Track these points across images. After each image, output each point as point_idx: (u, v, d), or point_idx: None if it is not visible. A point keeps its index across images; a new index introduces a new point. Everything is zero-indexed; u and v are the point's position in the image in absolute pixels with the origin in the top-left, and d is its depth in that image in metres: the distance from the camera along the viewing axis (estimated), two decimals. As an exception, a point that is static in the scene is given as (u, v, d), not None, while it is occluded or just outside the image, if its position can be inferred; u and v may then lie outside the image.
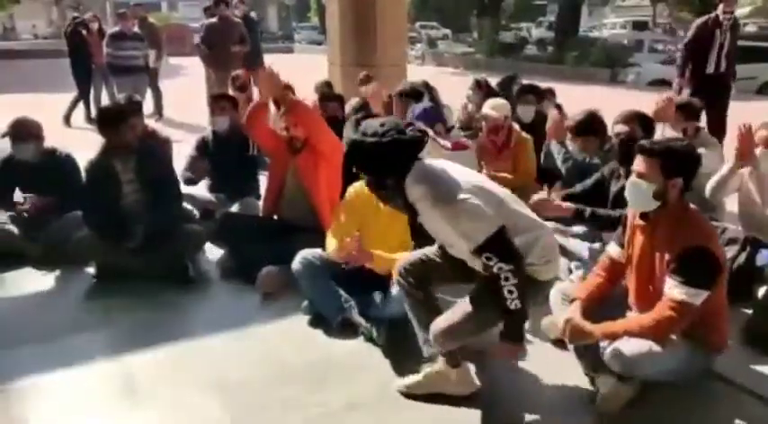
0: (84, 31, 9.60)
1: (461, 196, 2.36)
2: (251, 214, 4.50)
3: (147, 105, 8.41)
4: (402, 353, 3.01)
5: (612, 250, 2.88)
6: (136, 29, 9.25)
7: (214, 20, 8.83)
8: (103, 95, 9.74)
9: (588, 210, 3.34)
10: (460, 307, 2.62)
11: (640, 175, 2.58)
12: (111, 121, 3.94)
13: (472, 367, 2.79)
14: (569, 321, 2.63)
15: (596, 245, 3.70)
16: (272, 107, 4.25)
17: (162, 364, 3.04)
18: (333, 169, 3.98)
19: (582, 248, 3.78)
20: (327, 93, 5.81)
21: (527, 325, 2.73)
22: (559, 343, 2.86)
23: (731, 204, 3.92)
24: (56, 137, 4.81)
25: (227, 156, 4.85)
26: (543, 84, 6.27)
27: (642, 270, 2.67)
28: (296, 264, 3.44)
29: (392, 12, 7.69)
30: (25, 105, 6.24)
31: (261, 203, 4.46)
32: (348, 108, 5.64)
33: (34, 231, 4.28)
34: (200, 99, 9.40)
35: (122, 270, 3.93)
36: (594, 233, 3.80)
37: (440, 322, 2.64)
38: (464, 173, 2.56)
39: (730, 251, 3.55)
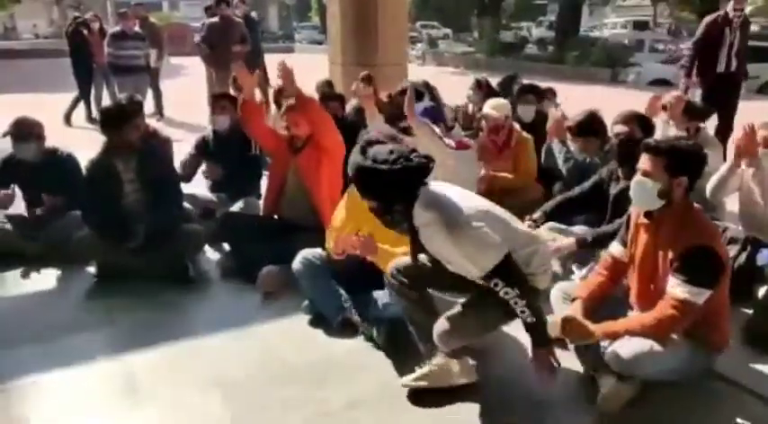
0: (84, 31, 9.60)
1: (471, 223, 2.45)
2: (252, 213, 4.50)
3: (148, 105, 8.40)
4: (402, 353, 3.01)
5: (615, 248, 2.88)
6: (137, 28, 9.24)
7: (215, 19, 8.84)
8: (104, 95, 9.74)
9: (589, 238, 3.36)
10: (465, 308, 2.66)
11: (645, 173, 2.58)
12: (114, 121, 3.94)
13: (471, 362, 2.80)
14: (570, 320, 2.63)
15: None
16: (273, 106, 4.26)
17: (162, 363, 3.04)
18: (334, 168, 3.99)
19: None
20: (328, 93, 5.81)
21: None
22: (560, 342, 2.85)
23: (732, 204, 3.92)
24: (57, 137, 4.81)
25: (227, 156, 4.85)
26: (544, 84, 6.26)
27: (645, 269, 2.67)
28: (296, 264, 3.45)
29: (393, 11, 7.69)
30: (26, 105, 6.25)
31: (261, 202, 4.46)
32: (348, 107, 5.64)
33: (35, 230, 4.28)
34: (200, 98, 9.41)
35: (123, 270, 3.93)
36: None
37: (444, 323, 2.66)
38: (467, 197, 2.64)
39: (731, 251, 3.55)
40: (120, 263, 3.93)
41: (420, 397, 2.68)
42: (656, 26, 34.30)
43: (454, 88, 6.07)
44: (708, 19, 6.85)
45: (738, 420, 2.59)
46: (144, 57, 9.21)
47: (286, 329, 3.38)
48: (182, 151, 5.14)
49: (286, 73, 3.88)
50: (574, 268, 3.75)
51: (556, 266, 3.51)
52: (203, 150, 4.99)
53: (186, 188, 4.48)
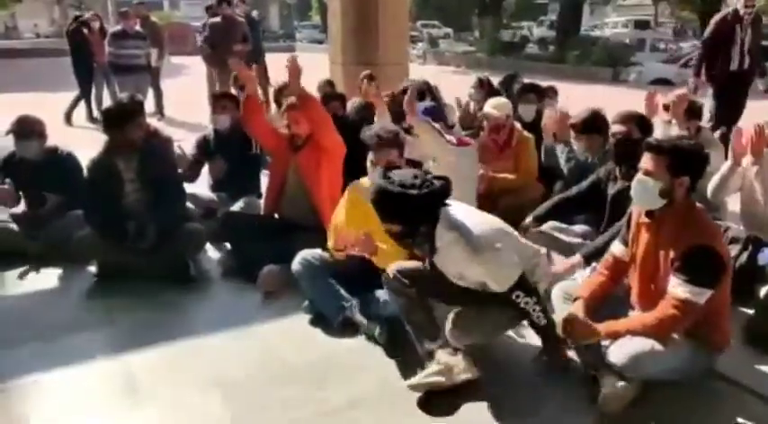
0: (85, 30, 9.60)
1: (493, 244, 2.62)
2: (252, 213, 4.50)
3: (149, 104, 8.40)
4: (403, 352, 3.01)
5: (616, 248, 2.88)
6: (138, 28, 9.24)
7: (217, 19, 8.84)
8: (105, 94, 9.73)
9: (592, 249, 3.32)
10: (480, 307, 2.76)
11: (647, 173, 2.58)
12: (116, 120, 3.94)
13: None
14: (572, 320, 2.63)
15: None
16: (273, 106, 4.26)
17: (162, 363, 3.04)
18: (334, 167, 4.00)
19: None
20: (330, 93, 5.81)
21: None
22: (561, 342, 2.85)
23: (733, 203, 3.91)
24: (57, 136, 4.81)
25: (228, 155, 4.85)
26: (545, 83, 6.26)
27: (646, 269, 2.67)
28: (295, 265, 3.44)
29: (393, 10, 7.68)
30: (27, 104, 6.24)
31: (262, 202, 4.46)
32: (349, 106, 5.64)
33: (36, 230, 4.28)
34: (201, 98, 9.40)
35: (123, 269, 3.93)
36: (595, 233, 3.79)
37: (457, 319, 2.79)
38: (481, 216, 2.78)
39: (732, 251, 3.54)
40: (121, 263, 3.93)
41: (419, 395, 2.67)
42: (657, 25, 34.29)
43: (455, 87, 6.06)
44: (717, 17, 6.72)
45: (739, 420, 2.59)
46: (145, 57, 9.21)
47: (286, 328, 3.38)
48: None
49: (294, 69, 3.88)
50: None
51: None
52: (204, 149, 4.99)
53: (187, 187, 4.47)
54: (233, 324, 3.40)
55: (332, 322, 3.30)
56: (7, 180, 4.36)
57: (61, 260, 4.13)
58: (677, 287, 2.46)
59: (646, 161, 2.60)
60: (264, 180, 4.63)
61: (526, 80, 6.48)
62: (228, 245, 4.31)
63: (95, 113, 9.65)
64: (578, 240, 3.73)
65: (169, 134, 5.30)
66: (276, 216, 4.23)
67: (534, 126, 5.08)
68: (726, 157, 3.85)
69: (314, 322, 3.40)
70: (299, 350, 3.15)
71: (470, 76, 6.95)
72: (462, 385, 2.68)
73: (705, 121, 6.45)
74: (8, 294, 3.88)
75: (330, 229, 3.51)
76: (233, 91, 6.23)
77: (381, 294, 3.27)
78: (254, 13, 11.01)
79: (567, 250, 3.72)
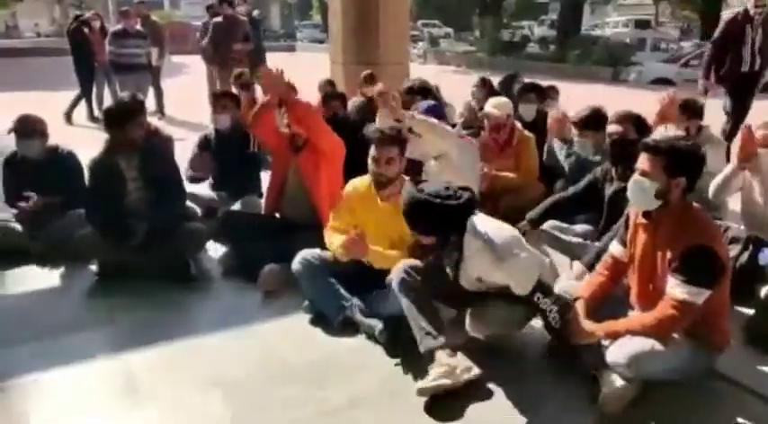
0: (86, 30, 9.60)
1: (513, 250, 2.71)
2: (253, 212, 4.50)
3: (149, 103, 8.40)
4: (403, 351, 3.01)
5: (615, 248, 2.88)
6: (138, 27, 9.24)
7: (220, 19, 8.85)
8: (105, 93, 9.74)
9: (593, 255, 3.33)
10: (500, 301, 2.84)
11: (644, 173, 2.57)
12: (118, 120, 3.94)
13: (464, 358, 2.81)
14: (572, 319, 2.63)
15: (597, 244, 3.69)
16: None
17: (163, 362, 3.04)
18: (333, 168, 4.00)
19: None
20: (330, 92, 5.82)
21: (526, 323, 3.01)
22: (561, 341, 2.86)
23: (734, 203, 3.91)
24: (58, 135, 4.81)
25: (229, 154, 4.85)
26: (545, 83, 6.26)
27: (644, 269, 2.67)
28: (295, 265, 3.45)
29: (394, 10, 7.68)
30: (28, 103, 6.25)
31: (262, 201, 4.46)
32: (350, 106, 5.64)
33: (37, 229, 4.28)
34: (202, 97, 9.41)
35: (124, 269, 3.93)
36: (596, 232, 3.79)
37: (477, 311, 2.86)
38: (497, 224, 2.85)
39: (733, 251, 3.55)
40: (122, 262, 3.94)
41: (421, 397, 2.66)
42: (657, 25, 34.28)
43: (456, 87, 6.07)
44: (727, 17, 6.59)
45: (739, 420, 2.58)
46: (145, 56, 9.21)
47: (287, 328, 3.38)
48: (184, 149, 5.14)
49: (276, 78, 3.88)
50: (575, 265, 3.74)
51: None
52: (206, 149, 4.99)
53: (187, 187, 4.47)
54: (233, 324, 3.40)
55: (332, 322, 3.30)
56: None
57: (62, 259, 4.13)
58: (675, 288, 2.46)
59: (642, 161, 2.60)
60: (265, 179, 4.63)
61: (527, 80, 6.48)
62: (229, 244, 4.30)
63: (96, 112, 9.65)
64: (578, 239, 3.74)
65: (170, 133, 5.31)
66: (277, 215, 4.23)
67: (535, 125, 5.08)
68: (728, 157, 3.87)
69: (314, 322, 3.39)
70: (299, 350, 3.15)
71: (471, 76, 6.97)
72: (465, 385, 2.68)
73: (721, 120, 6.46)
74: (9, 293, 3.88)
75: (326, 229, 3.51)
76: (233, 90, 6.24)
77: (381, 293, 3.27)
78: (255, 13, 11.02)
79: (568, 249, 3.73)
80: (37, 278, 4.04)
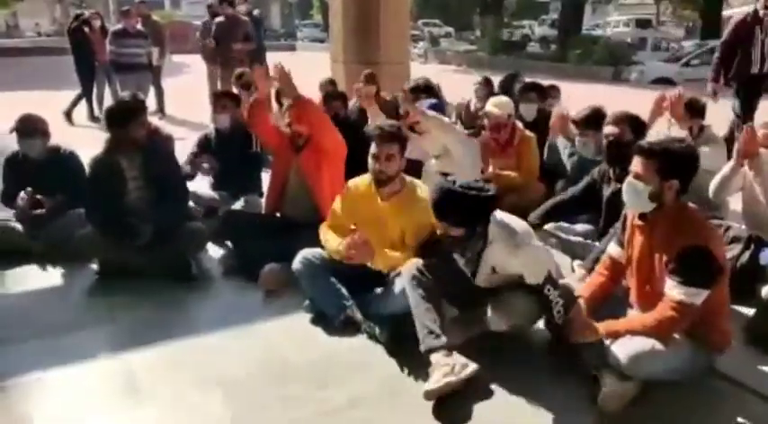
0: (86, 29, 9.60)
1: (530, 242, 2.82)
2: (253, 211, 4.50)
3: (150, 103, 8.41)
4: (404, 350, 3.00)
5: (613, 250, 2.90)
6: (139, 26, 9.25)
7: (222, 19, 8.85)
8: (106, 93, 9.74)
9: (593, 259, 3.34)
10: (518, 291, 2.87)
11: (637, 176, 2.60)
12: (120, 119, 3.94)
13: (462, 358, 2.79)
14: (572, 318, 2.63)
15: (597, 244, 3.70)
16: (274, 104, 4.26)
17: (163, 361, 3.04)
18: (335, 167, 4.00)
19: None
20: (331, 92, 5.83)
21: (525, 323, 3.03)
22: (562, 341, 2.85)
23: (735, 202, 3.91)
24: (59, 135, 4.82)
25: (229, 154, 4.86)
26: (546, 82, 6.26)
27: (642, 271, 2.68)
28: (296, 264, 3.44)
29: (395, 9, 7.69)
30: (28, 103, 6.24)
31: (263, 200, 4.46)
32: (351, 106, 5.65)
33: (38, 228, 4.28)
34: (202, 96, 9.41)
35: (125, 268, 3.93)
36: (596, 232, 3.79)
37: (497, 303, 2.90)
38: (510, 216, 2.93)
39: (734, 250, 3.55)
40: (122, 261, 3.93)
41: (421, 394, 2.65)
42: (658, 24, 34.26)
43: (456, 86, 6.05)
44: (736, 18, 6.52)
45: (740, 420, 2.58)
46: (146, 55, 9.21)
47: (287, 327, 3.38)
48: (184, 148, 5.14)
49: (283, 76, 3.88)
50: (575, 266, 3.74)
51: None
52: (205, 148, 5.00)
53: (188, 186, 4.47)
54: (234, 323, 3.40)
55: (333, 321, 3.30)
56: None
57: (63, 258, 4.13)
58: (673, 289, 2.47)
59: (635, 164, 2.62)
60: (266, 178, 4.63)
61: (527, 79, 6.49)
62: (230, 244, 4.31)
63: (96, 112, 9.65)
64: (579, 239, 3.74)
65: (170, 132, 5.31)
66: (278, 214, 4.23)
67: (536, 125, 5.09)
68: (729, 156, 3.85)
69: (315, 321, 3.39)
70: (299, 349, 3.15)
71: (472, 75, 6.97)
72: (467, 384, 2.68)
73: (728, 120, 6.42)
74: (10, 292, 3.88)
75: (323, 226, 3.51)
76: (234, 89, 6.24)
77: (382, 293, 3.27)
78: (256, 12, 11.02)
79: (569, 249, 3.73)
80: (38, 278, 4.04)
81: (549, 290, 2.77)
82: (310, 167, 3.97)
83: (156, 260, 3.89)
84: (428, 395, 2.62)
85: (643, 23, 30.15)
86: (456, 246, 2.92)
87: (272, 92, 7.13)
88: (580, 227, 3.86)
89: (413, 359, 2.90)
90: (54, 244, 4.15)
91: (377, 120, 4.69)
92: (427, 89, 5.22)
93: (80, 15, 10.10)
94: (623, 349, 2.55)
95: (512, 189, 4.61)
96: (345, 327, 3.26)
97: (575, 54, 19.85)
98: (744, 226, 3.75)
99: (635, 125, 3.62)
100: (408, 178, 3.47)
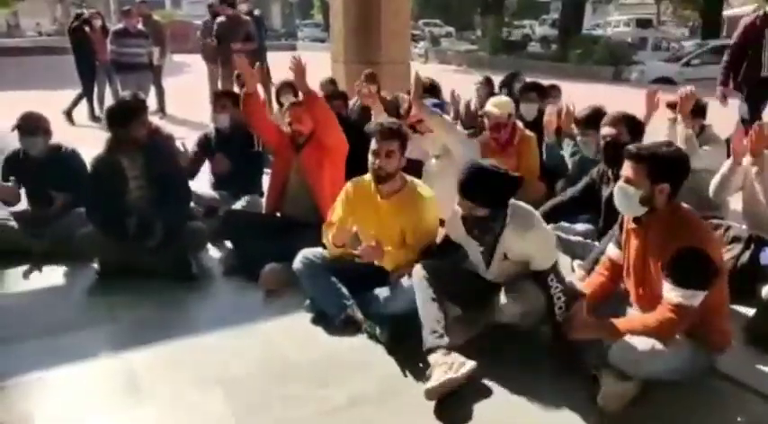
0: (87, 29, 9.60)
1: (543, 226, 2.93)
2: (254, 211, 4.50)
3: (151, 102, 8.41)
4: (404, 350, 3.01)
5: (611, 251, 2.91)
6: (140, 26, 9.25)
7: (223, 18, 8.85)
8: (107, 92, 9.74)
9: (592, 261, 3.34)
10: (528, 279, 2.91)
11: (627, 180, 2.62)
12: (121, 118, 3.94)
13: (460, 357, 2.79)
14: (572, 316, 2.64)
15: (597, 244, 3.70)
16: (275, 104, 4.26)
17: (164, 361, 3.04)
18: (336, 166, 4.01)
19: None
20: (332, 91, 5.83)
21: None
22: (561, 338, 2.85)
23: (736, 202, 3.91)
24: (59, 134, 4.81)
25: (229, 153, 4.86)
26: (546, 82, 6.26)
27: (638, 273, 2.70)
28: (297, 263, 3.45)
29: (395, 9, 7.69)
30: (29, 102, 6.23)
31: (264, 200, 4.46)
32: (351, 106, 5.65)
33: (40, 228, 4.28)
34: (203, 96, 9.41)
35: (125, 267, 3.94)
36: (596, 232, 3.79)
37: (509, 291, 2.93)
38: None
39: (734, 250, 3.55)
40: (123, 260, 3.94)
41: (421, 394, 2.66)
42: (659, 24, 34.25)
43: (457, 86, 6.02)
44: (746, 20, 6.39)
45: (740, 419, 2.59)
46: (147, 55, 9.21)
47: (288, 326, 3.38)
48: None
49: (299, 68, 3.88)
50: (575, 266, 3.74)
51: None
52: (206, 147, 5.00)
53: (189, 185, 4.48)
54: (234, 322, 3.40)
55: (333, 321, 3.30)
56: (11, 178, 4.36)
57: (63, 257, 4.14)
58: (669, 292, 2.49)
59: (626, 169, 2.64)
60: (266, 178, 4.63)
61: (528, 79, 6.48)
62: (230, 244, 4.31)
63: (97, 112, 9.66)
64: (579, 238, 3.74)
65: (171, 132, 5.31)
66: (278, 214, 4.23)
67: (536, 125, 5.08)
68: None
69: (315, 321, 3.40)
70: (300, 349, 3.15)
71: (472, 75, 6.97)
72: (469, 380, 2.68)
73: (736, 123, 6.37)
74: (10, 291, 3.89)
75: (325, 226, 3.52)
76: (236, 89, 6.24)
77: (383, 292, 3.27)
78: (257, 12, 11.02)
79: (569, 249, 3.73)
80: (38, 277, 4.05)
81: (552, 281, 2.81)
82: (311, 165, 3.97)
83: (156, 259, 3.90)
84: (429, 394, 2.62)
85: (643, 23, 30.15)
86: (478, 228, 2.91)
87: (273, 91, 7.15)
88: (580, 227, 3.86)
89: (413, 359, 2.90)
90: (55, 243, 4.16)
91: (380, 119, 4.70)
92: (432, 89, 5.27)
93: (81, 15, 10.10)
94: (623, 349, 2.55)
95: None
96: (346, 326, 3.26)
97: (575, 54, 19.83)
98: (744, 226, 3.75)
99: (632, 125, 3.61)
100: (409, 177, 3.47)
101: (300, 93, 4.05)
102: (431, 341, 2.80)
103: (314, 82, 6.52)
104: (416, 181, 3.52)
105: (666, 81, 14.77)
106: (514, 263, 2.96)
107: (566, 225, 3.84)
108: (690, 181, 4.13)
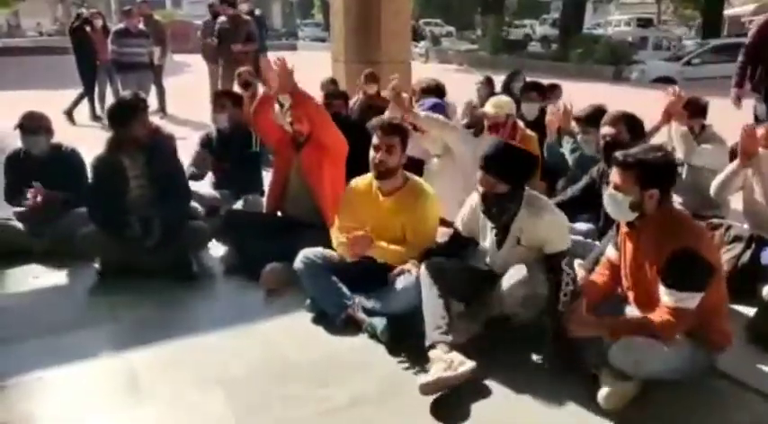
0: (88, 28, 9.61)
1: (558, 210, 3.03)
2: (255, 211, 4.50)
3: (151, 102, 8.40)
4: (405, 349, 3.01)
5: (610, 252, 2.93)
6: (141, 26, 9.26)
7: (225, 18, 8.86)
8: (108, 92, 9.74)
9: (592, 261, 3.33)
10: (536, 266, 2.93)
11: (616, 187, 2.63)
12: (121, 117, 3.94)
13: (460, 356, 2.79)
14: (572, 313, 2.64)
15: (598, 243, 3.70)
16: (276, 105, 4.25)
17: (165, 360, 3.04)
18: (336, 165, 4.00)
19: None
20: (333, 91, 5.84)
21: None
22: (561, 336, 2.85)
23: (736, 202, 3.91)
24: (61, 134, 4.82)
25: (230, 153, 4.86)
26: (547, 81, 6.26)
27: (634, 276, 2.71)
28: (297, 263, 3.45)
29: (396, 8, 7.68)
30: (30, 102, 6.24)
31: (265, 200, 4.46)
32: (352, 105, 5.66)
33: (40, 227, 4.29)
34: (204, 96, 9.40)
35: (126, 267, 3.94)
36: (596, 231, 3.79)
37: (513, 283, 2.91)
38: None
39: (735, 249, 3.54)
40: (124, 260, 3.94)
41: (421, 394, 2.65)
42: (660, 23, 34.23)
43: (458, 86, 6.03)
44: (760, 21, 6.32)
45: (741, 419, 2.58)
46: (148, 55, 9.23)
47: (288, 326, 3.38)
48: (186, 147, 5.15)
49: (284, 70, 3.86)
50: (576, 265, 3.74)
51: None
52: (208, 147, 5.00)
53: (190, 185, 4.47)
54: (235, 322, 3.40)
55: (334, 320, 3.30)
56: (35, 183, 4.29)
57: (64, 257, 4.14)
58: (665, 296, 2.50)
59: (614, 175, 2.65)
60: (267, 178, 4.63)
61: (528, 78, 6.49)
62: (231, 243, 4.30)
63: (98, 111, 9.66)
64: (579, 238, 3.73)
65: (171, 132, 5.31)
66: (279, 214, 4.23)
67: (537, 124, 5.08)
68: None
69: (316, 320, 3.40)
70: (301, 348, 3.15)
71: (473, 75, 6.96)
72: (466, 380, 2.68)
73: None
74: (11, 291, 3.89)
75: (333, 231, 3.52)
76: (236, 88, 6.24)
77: (383, 292, 3.27)
78: (258, 12, 11.02)
79: (570, 248, 3.73)
80: (39, 277, 4.05)
81: (566, 265, 2.86)
82: (312, 165, 3.97)
83: (157, 259, 3.90)
84: (423, 389, 2.62)
85: (644, 22, 30.14)
86: (498, 205, 2.96)
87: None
88: (580, 226, 3.86)
89: (414, 359, 2.91)
90: (56, 243, 4.16)
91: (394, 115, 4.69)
92: (437, 89, 5.30)
93: (81, 15, 10.11)
94: (623, 349, 2.55)
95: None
96: (346, 326, 3.26)
97: (576, 53, 19.82)
98: (745, 226, 3.75)
99: (631, 124, 3.62)
100: (411, 175, 3.48)
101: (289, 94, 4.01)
102: (434, 337, 2.81)
103: (314, 81, 6.55)
104: (418, 178, 3.53)
105: (667, 80, 14.74)
106: (527, 249, 2.99)
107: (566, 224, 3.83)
108: (691, 180, 4.18)
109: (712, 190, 3.74)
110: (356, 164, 3.84)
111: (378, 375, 2.89)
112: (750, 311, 3.29)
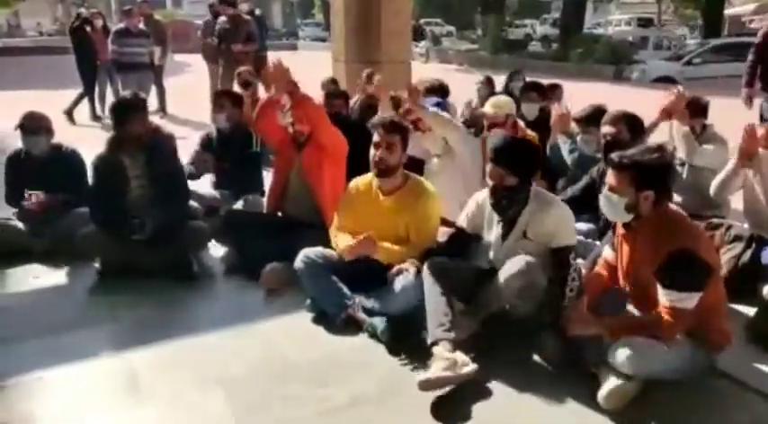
0: (88, 28, 9.61)
1: (564, 205, 3.08)
2: (255, 211, 4.50)
3: (152, 102, 8.41)
4: (405, 349, 3.01)
5: (607, 253, 2.94)
6: (141, 26, 9.26)
7: (225, 18, 8.86)
8: (108, 92, 9.75)
9: (591, 262, 3.31)
10: (529, 265, 2.91)
11: (611, 188, 2.63)
12: (121, 115, 3.94)
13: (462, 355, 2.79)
14: (572, 311, 2.64)
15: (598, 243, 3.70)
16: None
17: (165, 360, 3.04)
18: (337, 165, 4.00)
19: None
20: (333, 91, 5.83)
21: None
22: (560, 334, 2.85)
23: (737, 201, 3.91)
24: (61, 134, 4.82)
25: (230, 153, 4.86)
26: (547, 81, 6.26)
27: (630, 276, 2.71)
28: (298, 263, 3.44)
29: (396, 8, 7.68)
30: (30, 102, 6.24)
31: (265, 200, 4.46)
32: (352, 105, 5.65)
33: (41, 227, 4.29)
34: (204, 96, 9.41)
35: (127, 266, 3.94)
36: (597, 231, 3.79)
37: (510, 273, 2.90)
38: None
39: (735, 249, 3.54)
40: (124, 260, 3.94)
41: (421, 393, 2.65)
42: (660, 23, 34.23)
43: (458, 85, 6.03)
44: None
45: (741, 418, 2.58)
46: (148, 55, 9.23)
47: (289, 326, 3.38)
48: (186, 147, 5.15)
49: (279, 71, 3.84)
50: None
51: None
52: (209, 147, 5.00)
53: (190, 185, 4.48)
54: (235, 322, 3.40)
55: (334, 320, 3.30)
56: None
57: (65, 257, 4.14)
58: (663, 296, 2.50)
59: (610, 177, 2.66)
60: (267, 178, 4.63)
61: (529, 78, 6.48)
62: (231, 243, 4.30)
63: (98, 111, 9.66)
64: (580, 238, 3.73)
65: (172, 131, 5.32)
66: (279, 214, 4.23)
67: (537, 124, 5.08)
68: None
69: (316, 320, 3.39)
70: (301, 348, 3.15)
71: (473, 75, 6.96)
72: (466, 381, 2.68)
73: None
74: (12, 291, 3.89)
75: (332, 231, 3.52)
76: (236, 88, 6.23)
77: (384, 292, 3.27)
78: (258, 12, 11.02)
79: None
80: (39, 277, 4.05)
81: (573, 259, 2.90)
82: (312, 165, 3.97)
83: (157, 258, 3.90)
84: (422, 385, 2.61)
85: (645, 22, 30.14)
86: (507, 198, 3.00)
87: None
88: (581, 226, 3.85)
89: (414, 359, 2.91)
90: (57, 243, 4.16)
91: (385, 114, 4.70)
92: (441, 89, 5.33)
93: (81, 15, 10.11)
94: (624, 349, 2.55)
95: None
96: (346, 326, 3.26)
97: (576, 53, 19.80)
98: (746, 225, 3.74)
99: (632, 124, 3.61)
100: (412, 174, 3.48)
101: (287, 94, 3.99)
102: (437, 334, 2.81)
103: (315, 81, 6.54)
104: (419, 177, 3.53)
105: (668, 80, 14.74)
106: (533, 243, 3.01)
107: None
108: (692, 180, 4.18)
109: (712, 190, 3.74)
110: (356, 164, 3.84)
111: (378, 374, 2.89)
112: (750, 311, 3.29)
